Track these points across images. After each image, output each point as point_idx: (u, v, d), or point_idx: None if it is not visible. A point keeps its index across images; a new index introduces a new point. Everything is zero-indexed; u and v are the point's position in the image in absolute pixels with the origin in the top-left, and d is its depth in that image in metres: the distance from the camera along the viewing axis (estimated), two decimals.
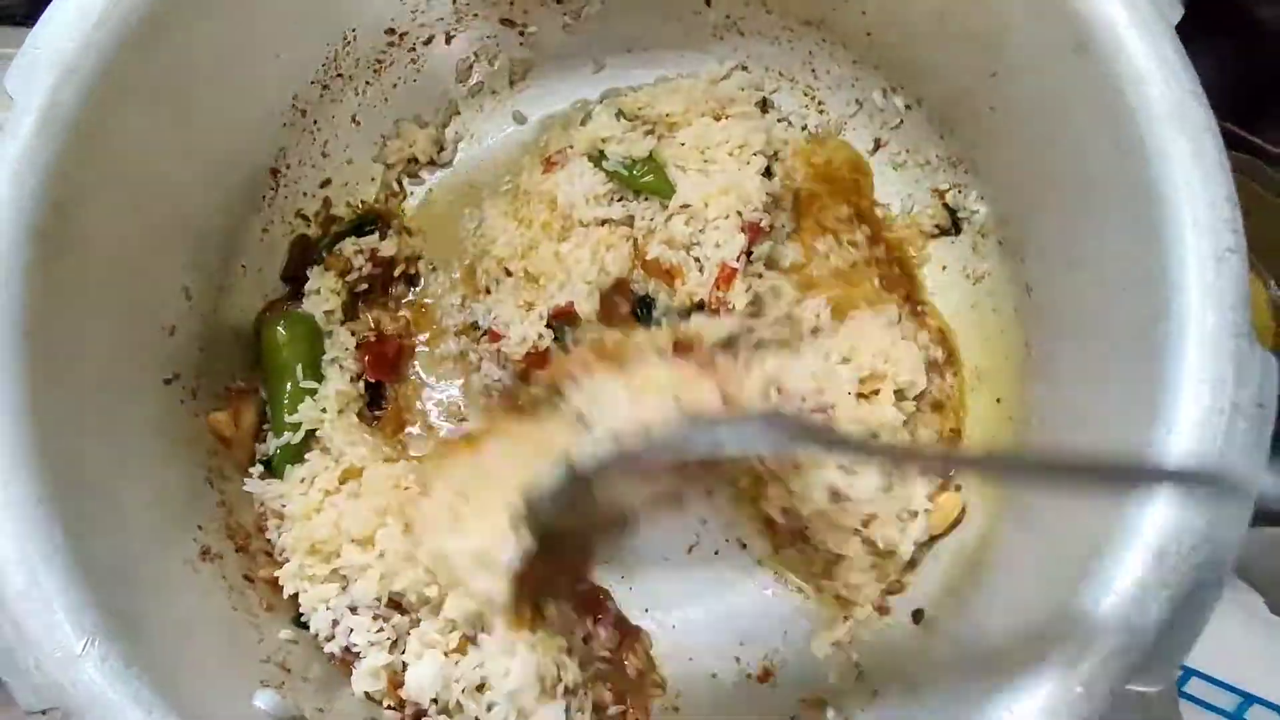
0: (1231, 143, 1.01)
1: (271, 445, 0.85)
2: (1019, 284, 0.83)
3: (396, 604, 0.77)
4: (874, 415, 0.80)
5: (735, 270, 0.86)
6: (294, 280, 0.93)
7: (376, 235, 0.95)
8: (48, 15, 0.67)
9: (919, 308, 0.91)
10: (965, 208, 0.91)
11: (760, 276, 0.89)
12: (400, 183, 0.99)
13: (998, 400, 0.82)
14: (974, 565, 0.73)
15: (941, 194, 0.93)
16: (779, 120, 0.97)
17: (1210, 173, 0.60)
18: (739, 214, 0.87)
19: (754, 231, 0.87)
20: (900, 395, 0.83)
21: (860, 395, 0.81)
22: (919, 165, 0.94)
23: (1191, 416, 0.56)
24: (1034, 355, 0.79)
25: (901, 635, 0.75)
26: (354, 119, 0.95)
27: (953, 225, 0.92)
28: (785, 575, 0.84)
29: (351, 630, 0.74)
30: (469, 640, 0.73)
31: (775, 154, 0.93)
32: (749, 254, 0.87)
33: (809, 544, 0.80)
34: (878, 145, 0.96)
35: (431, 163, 0.99)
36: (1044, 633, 0.56)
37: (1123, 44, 0.65)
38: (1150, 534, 0.54)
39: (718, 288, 0.85)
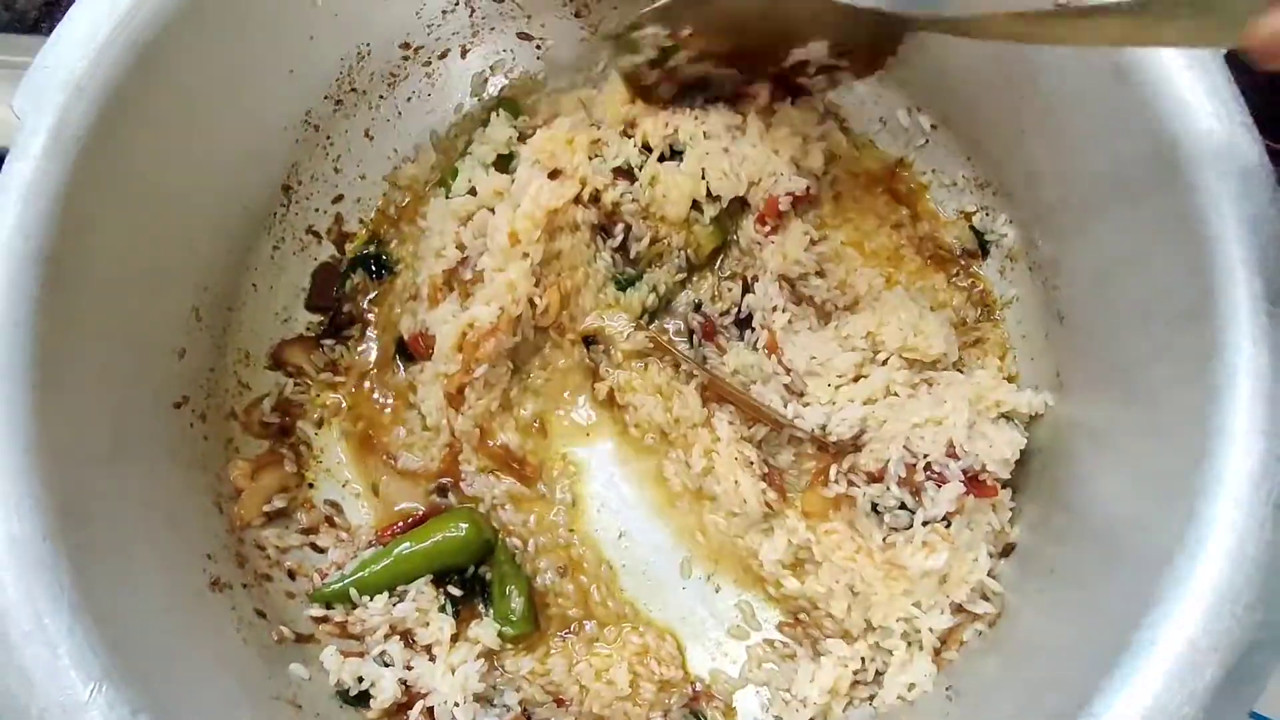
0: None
1: None
2: (1050, 311, 0.81)
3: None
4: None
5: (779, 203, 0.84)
6: (319, 309, 0.91)
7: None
8: (57, 34, 0.65)
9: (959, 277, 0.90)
10: (993, 230, 0.89)
11: (825, 238, 0.88)
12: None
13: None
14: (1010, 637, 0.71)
15: (968, 216, 0.91)
16: None
17: (1262, 210, 0.57)
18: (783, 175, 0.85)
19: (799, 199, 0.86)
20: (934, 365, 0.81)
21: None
22: (944, 186, 0.92)
23: (1243, 467, 0.54)
24: (1065, 384, 0.77)
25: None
26: (367, 133, 0.93)
27: (980, 248, 0.90)
28: None
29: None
30: None
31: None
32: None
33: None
34: (901, 164, 0.94)
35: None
36: (1088, 688, 0.53)
37: (1167, 72, 0.62)
38: (1203, 589, 0.52)
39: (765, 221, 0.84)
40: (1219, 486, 0.54)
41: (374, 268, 0.92)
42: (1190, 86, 0.62)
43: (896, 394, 0.77)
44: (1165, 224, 0.62)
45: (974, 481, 0.72)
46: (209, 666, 0.66)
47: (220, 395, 0.84)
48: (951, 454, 0.72)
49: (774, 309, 0.83)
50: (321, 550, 0.84)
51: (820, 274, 0.88)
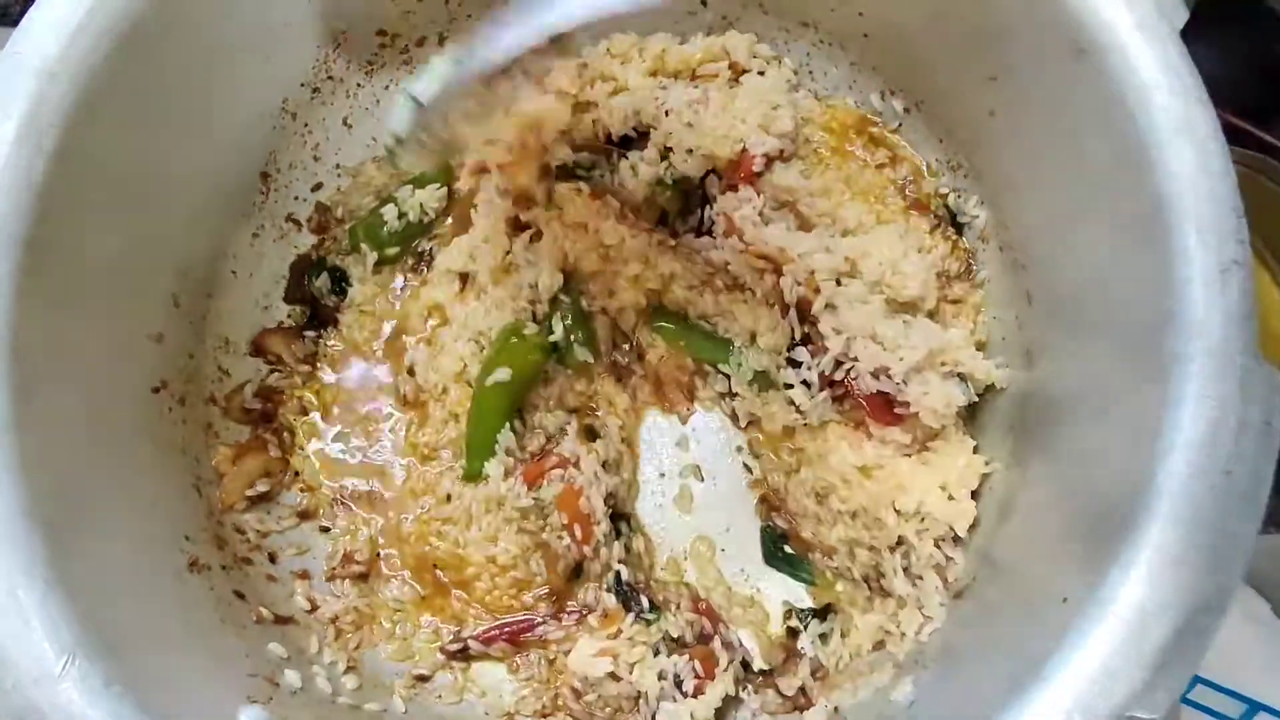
0: (1242, 139, 1.01)
1: None
2: (1020, 292, 0.81)
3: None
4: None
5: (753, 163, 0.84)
6: (300, 301, 0.91)
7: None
8: (28, 20, 0.66)
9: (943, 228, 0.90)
10: (966, 212, 0.90)
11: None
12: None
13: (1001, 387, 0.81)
14: (976, 582, 0.72)
15: (943, 197, 0.91)
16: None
17: (1216, 184, 0.58)
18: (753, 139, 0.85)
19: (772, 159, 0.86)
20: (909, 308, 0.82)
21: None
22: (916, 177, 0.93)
23: (1197, 434, 0.54)
24: (1035, 365, 0.78)
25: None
26: (345, 122, 0.94)
27: (954, 229, 0.91)
28: None
29: None
30: None
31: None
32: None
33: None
34: (874, 114, 0.94)
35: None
36: (1039, 648, 0.54)
37: (1124, 49, 0.63)
38: (1153, 554, 0.53)
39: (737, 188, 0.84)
40: (1172, 452, 0.55)
41: (334, 283, 0.92)
42: (1147, 63, 0.62)
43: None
44: (1124, 198, 0.63)
45: (880, 405, 0.72)
46: (185, 643, 0.67)
47: (199, 381, 0.85)
48: (879, 374, 0.73)
49: (742, 202, 0.82)
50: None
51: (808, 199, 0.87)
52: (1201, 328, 0.56)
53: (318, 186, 0.94)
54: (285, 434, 0.88)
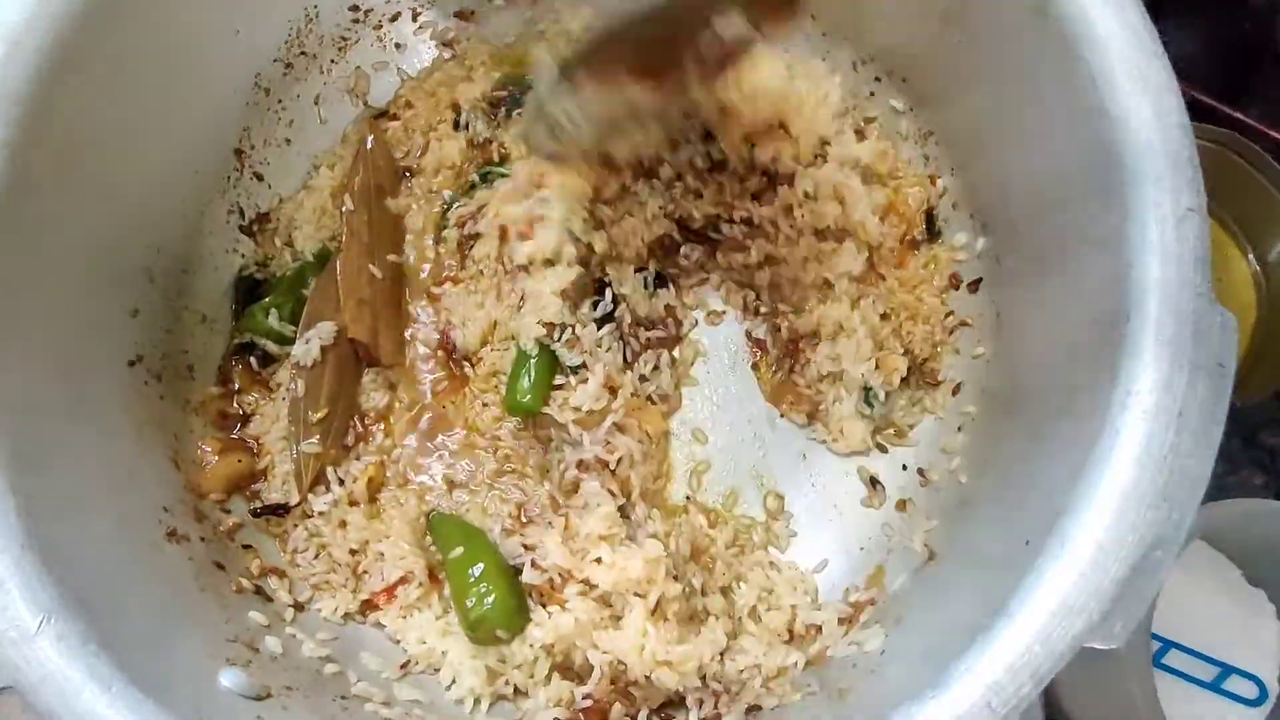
0: (1214, 117, 1.02)
1: None
2: (990, 255, 0.83)
3: None
4: None
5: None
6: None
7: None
8: None
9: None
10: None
11: None
12: None
13: (974, 356, 0.83)
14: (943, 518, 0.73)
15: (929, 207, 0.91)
16: None
17: (1171, 133, 0.59)
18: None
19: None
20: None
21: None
22: (888, 137, 0.93)
23: (1152, 378, 0.56)
24: (1004, 323, 0.79)
25: None
26: (318, 99, 0.94)
27: (927, 228, 0.91)
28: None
29: None
30: None
31: None
32: None
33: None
34: (846, 112, 0.95)
35: None
36: (1003, 590, 0.55)
37: (1083, 6, 0.64)
38: (1110, 494, 0.54)
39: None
40: (1128, 398, 0.56)
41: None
42: (1105, 20, 0.63)
43: None
44: (1085, 152, 0.64)
45: None
46: (163, 608, 0.67)
47: (176, 356, 0.85)
48: None
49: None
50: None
51: None
52: (1158, 274, 0.57)
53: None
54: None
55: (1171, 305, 0.56)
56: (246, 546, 0.82)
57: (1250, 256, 1.03)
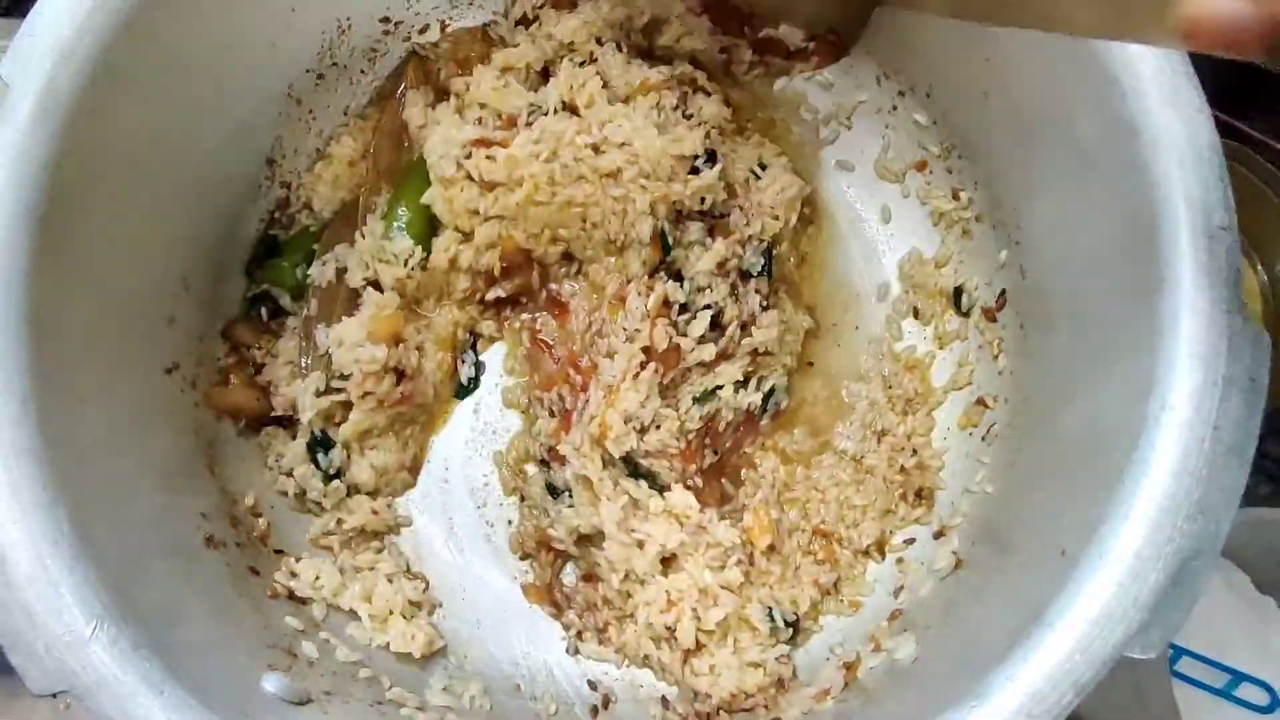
0: (1220, 130, 1.04)
1: None
2: (1014, 267, 0.84)
3: None
4: None
5: None
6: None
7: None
8: (42, 2, 0.67)
9: None
10: (961, 195, 0.92)
11: None
12: None
13: (1000, 373, 0.84)
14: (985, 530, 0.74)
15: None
16: None
17: (1203, 152, 0.61)
18: None
19: None
20: None
21: None
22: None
23: (1185, 391, 0.57)
24: (1029, 335, 0.80)
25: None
26: (348, 110, 0.95)
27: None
28: None
29: None
30: None
31: None
32: None
33: None
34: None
35: None
36: (1040, 600, 0.57)
37: None
38: (1147, 506, 0.55)
39: None
40: (1165, 410, 0.57)
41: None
42: None
43: None
44: (1115, 170, 0.65)
45: None
46: (205, 614, 0.68)
47: (209, 364, 0.86)
48: None
49: None
50: None
51: None
52: (1191, 292, 0.58)
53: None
54: None
55: (1204, 320, 0.57)
56: (278, 551, 0.83)
57: (1258, 268, 1.05)
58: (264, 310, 0.90)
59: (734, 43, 0.90)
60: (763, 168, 0.91)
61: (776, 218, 0.89)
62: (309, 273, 0.89)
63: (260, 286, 0.89)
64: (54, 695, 0.55)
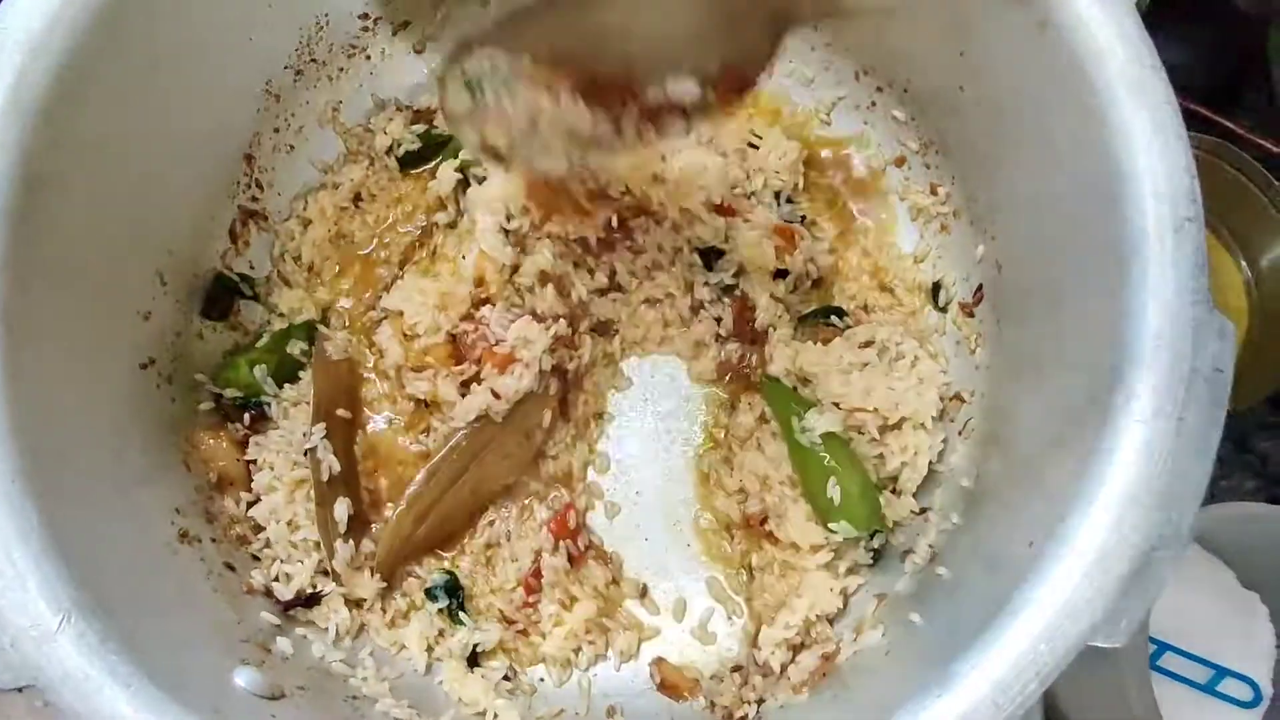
0: (1204, 126, 1.05)
1: None
2: (990, 262, 0.84)
3: None
4: None
5: None
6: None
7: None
8: None
9: None
10: (939, 193, 0.92)
11: None
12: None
13: (976, 368, 0.84)
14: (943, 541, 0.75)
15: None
16: None
17: (1169, 144, 0.61)
18: None
19: None
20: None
21: None
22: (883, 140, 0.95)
23: (1151, 382, 0.57)
24: (1003, 329, 0.80)
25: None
26: (326, 106, 0.95)
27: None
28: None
29: None
30: None
31: None
32: None
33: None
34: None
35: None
36: (1007, 591, 0.57)
37: (1084, 20, 0.66)
38: (1112, 497, 0.56)
39: None
40: (1130, 401, 0.57)
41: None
42: (1105, 33, 0.65)
43: None
44: (1084, 162, 0.66)
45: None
46: (178, 608, 0.68)
47: (187, 359, 0.86)
48: None
49: None
50: None
51: None
52: (1157, 283, 0.59)
53: None
54: None
55: (1170, 312, 0.58)
56: (255, 558, 0.82)
57: (1242, 264, 1.05)
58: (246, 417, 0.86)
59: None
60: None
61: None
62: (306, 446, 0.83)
63: (220, 389, 0.86)
64: (19, 690, 0.55)
